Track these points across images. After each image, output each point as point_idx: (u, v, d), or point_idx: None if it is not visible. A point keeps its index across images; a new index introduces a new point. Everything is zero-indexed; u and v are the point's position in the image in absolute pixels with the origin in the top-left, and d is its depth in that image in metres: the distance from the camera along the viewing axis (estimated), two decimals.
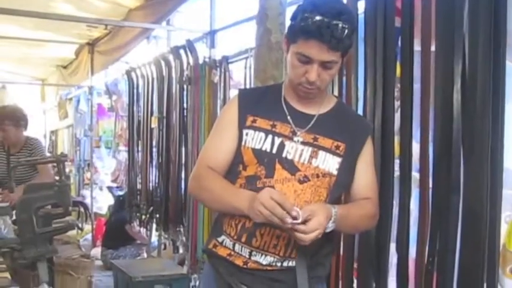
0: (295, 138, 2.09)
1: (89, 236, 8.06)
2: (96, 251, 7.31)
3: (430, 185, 2.62)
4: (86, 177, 10.29)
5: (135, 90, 6.70)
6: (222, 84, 4.65)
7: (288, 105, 2.15)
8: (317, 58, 1.95)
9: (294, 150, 2.08)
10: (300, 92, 2.09)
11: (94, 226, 8.10)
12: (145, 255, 6.86)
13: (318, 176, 2.07)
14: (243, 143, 2.13)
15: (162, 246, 6.35)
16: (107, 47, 7.66)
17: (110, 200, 8.29)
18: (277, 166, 2.07)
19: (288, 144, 2.08)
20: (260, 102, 2.19)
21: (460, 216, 2.47)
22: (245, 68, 4.39)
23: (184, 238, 5.35)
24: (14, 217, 2.77)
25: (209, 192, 2.13)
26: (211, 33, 5.36)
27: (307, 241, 1.86)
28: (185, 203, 5.27)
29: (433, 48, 2.60)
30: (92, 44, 8.25)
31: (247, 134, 2.13)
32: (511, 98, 2.36)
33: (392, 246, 2.84)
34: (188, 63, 5.19)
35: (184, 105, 5.30)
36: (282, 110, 2.14)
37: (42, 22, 6.58)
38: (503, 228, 2.40)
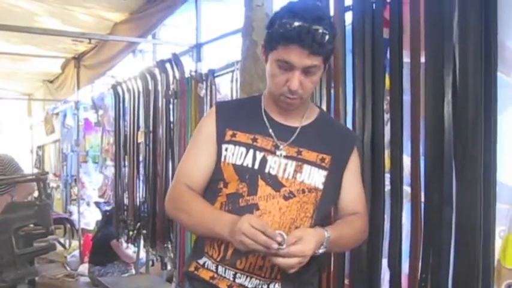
0: (278, 152, 2.01)
1: (77, 253, 7.98)
2: (84, 268, 7.21)
3: (422, 199, 2.57)
4: (73, 192, 10.20)
5: (121, 105, 6.64)
6: (209, 98, 4.60)
7: (268, 118, 2.08)
8: (298, 64, 1.89)
9: (277, 165, 2.00)
10: (281, 104, 2.02)
11: (81, 242, 8.02)
12: (133, 271, 6.78)
13: (303, 192, 1.99)
14: (222, 159, 2.04)
15: (150, 263, 6.27)
16: (93, 61, 7.63)
17: (98, 216, 8.20)
18: (260, 182, 1.98)
19: (271, 158, 2.00)
20: (239, 115, 2.11)
21: (454, 230, 2.41)
22: (231, 81, 4.34)
23: (172, 254, 5.29)
24: None
25: (187, 215, 2.03)
26: (197, 47, 5.33)
27: (294, 268, 1.79)
28: (172, 219, 5.20)
29: (422, 59, 2.56)
30: (77, 58, 8.22)
31: (226, 149, 2.04)
32: (503, 110, 2.32)
33: (384, 262, 2.79)
34: (174, 77, 5.15)
35: (171, 119, 5.24)
36: (263, 123, 2.07)
37: (28, 37, 6.57)
38: (498, 244, 2.35)
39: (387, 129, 2.77)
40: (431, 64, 2.49)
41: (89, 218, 9.06)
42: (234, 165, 2.02)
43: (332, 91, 3.09)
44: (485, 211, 2.30)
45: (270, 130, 2.05)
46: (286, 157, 2.01)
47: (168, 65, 5.25)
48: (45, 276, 3.26)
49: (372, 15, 2.81)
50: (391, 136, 2.74)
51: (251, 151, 2.02)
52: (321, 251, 1.86)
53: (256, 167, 2.00)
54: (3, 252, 2.34)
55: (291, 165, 2.00)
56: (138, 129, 6.06)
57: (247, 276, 1.98)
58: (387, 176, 2.78)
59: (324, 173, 2.02)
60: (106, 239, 6.84)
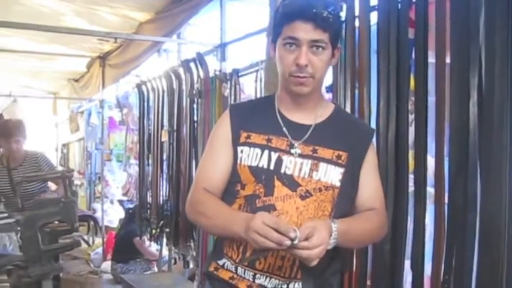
0: (293, 151, 2.01)
1: (100, 250, 8.04)
2: (107, 265, 7.26)
3: (446, 201, 2.55)
4: (97, 190, 10.30)
5: (145, 104, 6.68)
6: (233, 98, 4.60)
7: (282, 117, 2.08)
8: (304, 37, 1.91)
9: (292, 164, 2.00)
10: (293, 87, 2.00)
11: (105, 239, 8.08)
12: (155, 269, 6.81)
13: (320, 190, 1.98)
14: (238, 161, 2.05)
15: (173, 261, 6.29)
16: (118, 60, 7.67)
17: (121, 214, 8.26)
18: (277, 183, 1.98)
19: (286, 158, 2.00)
20: (253, 117, 2.12)
21: (477, 233, 2.39)
22: (256, 81, 4.34)
23: (194, 253, 5.29)
24: (19, 234, 2.72)
25: (206, 218, 2.04)
26: (222, 46, 5.33)
27: (314, 258, 1.76)
28: (193, 222, 5.22)
29: (448, 60, 2.54)
30: (103, 58, 8.27)
31: (242, 151, 2.05)
32: None
33: (407, 263, 2.77)
34: (198, 76, 5.16)
35: (195, 118, 5.25)
36: (277, 122, 2.07)
37: (54, 36, 6.63)
38: None
39: (411, 129, 2.75)
40: (457, 65, 2.47)
41: (113, 215, 9.12)
42: (249, 166, 2.02)
43: (356, 91, 3.08)
44: (510, 214, 2.27)
45: (284, 129, 2.05)
46: (301, 156, 2.00)
47: (192, 65, 5.26)
48: (70, 273, 3.29)
49: (397, 15, 2.80)
50: (416, 137, 2.71)
51: (266, 152, 2.02)
52: (331, 241, 1.83)
53: (271, 167, 2.00)
54: (29, 248, 2.38)
55: (307, 164, 1.99)
56: (162, 128, 6.09)
57: (266, 277, 1.98)
58: (411, 176, 2.76)
59: (341, 170, 2.01)
60: (129, 236, 6.89)
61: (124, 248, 6.92)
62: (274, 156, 2.01)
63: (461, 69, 2.43)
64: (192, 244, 5.35)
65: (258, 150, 2.03)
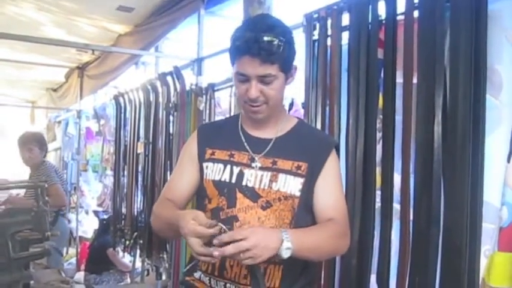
0: (253, 165, 2.07)
1: (74, 260, 8.00)
2: (80, 275, 7.22)
3: (411, 217, 2.61)
4: (72, 200, 10.23)
5: (122, 115, 6.68)
6: (208, 112, 4.63)
7: (244, 133, 2.16)
8: (252, 73, 1.95)
9: (253, 177, 2.06)
10: (249, 114, 2.08)
11: (78, 250, 8.03)
12: (128, 280, 6.79)
13: (280, 200, 2.02)
14: (204, 177, 2.13)
15: (146, 272, 6.29)
16: (96, 71, 7.68)
17: (96, 224, 8.22)
18: (238, 195, 2.05)
19: (247, 171, 2.07)
20: (218, 135, 2.21)
21: (440, 249, 2.46)
22: (231, 95, 4.39)
23: (167, 265, 5.30)
24: None
25: (159, 219, 2.13)
26: (199, 61, 5.37)
27: (233, 256, 1.75)
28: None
29: (415, 80, 2.61)
30: (81, 68, 8.28)
31: (207, 167, 2.14)
32: (491, 131, 2.37)
33: (373, 278, 2.82)
34: (175, 89, 5.19)
35: (170, 131, 5.28)
36: (239, 138, 2.14)
37: (33, 45, 6.64)
38: (483, 263, 2.38)
39: (379, 147, 2.82)
40: (423, 85, 2.54)
41: (87, 226, 9.06)
42: (213, 181, 2.10)
43: (327, 108, 3.15)
44: (472, 231, 2.34)
45: (246, 144, 2.12)
46: (261, 168, 2.06)
47: (169, 78, 5.28)
48: (40, 282, 3.28)
49: (367, 35, 2.87)
50: (383, 154, 2.78)
51: (228, 166, 2.10)
52: (284, 250, 1.78)
53: (233, 181, 2.06)
54: None
55: (267, 175, 2.04)
56: (138, 140, 6.08)
57: (235, 286, 2.03)
58: (378, 193, 2.82)
59: (301, 180, 2.03)
60: (102, 247, 6.85)
61: (97, 258, 6.89)
62: (236, 170, 2.08)
63: (427, 89, 2.51)
64: (165, 256, 5.36)
65: (221, 166, 2.11)
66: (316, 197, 2.06)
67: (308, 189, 2.04)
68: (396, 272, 2.68)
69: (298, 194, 2.03)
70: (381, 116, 2.81)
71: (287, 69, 2.02)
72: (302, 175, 2.04)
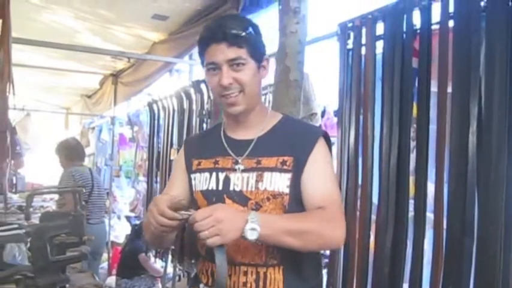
0: (236, 167, 2.02)
1: (105, 265, 8.08)
2: (112, 280, 7.30)
3: (445, 226, 2.60)
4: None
5: (156, 122, 6.76)
6: None
7: (226, 138, 2.12)
8: (221, 59, 1.93)
9: (240, 180, 2.00)
10: (226, 108, 2.03)
11: (110, 255, 8.11)
12: (159, 286, 6.84)
13: (268, 199, 1.96)
14: (193, 189, 2.11)
15: (177, 278, 6.32)
16: (130, 78, 7.76)
17: (128, 230, 8.31)
18: (227, 201, 2.00)
19: (233, 176, 2.01)
20: (202, 145, 2.19)
21: (474, 260, 2.44)
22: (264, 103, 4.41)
23: None
24: (28, 244, 2.78)
25: (146, 228, 2.06)
26: None
27: (204, 235, 1.69)
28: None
29: (449, 89, 2.61)
30: (115, 75, 8.37)
31: (194, 179, 2.12)
32: None
33: (405, 287, 2.81)
34: (209, 97, 5.25)
35: None
36: (221, 144, 2.10)
37: (69, 53, 6.73)
38: None
39: (413, 156, 2.81)
40: (458, 94, 2.54)
41: (119, 231, 9.16)
42: (201, 191, 2.08)
43: (361, 117, 3.16)
44: (506, 241, 2.33)
45: (228, 148, 2.08)
46: (245, 170, 2.00)
47: (203, 85, 5.35)
48: (75, 285, 3.33)
49: (402, 44, 2.88)
50: (417, 163, 2.78)
51: (214, 174, 2.06)
52: (249, 229, 1.73)
53: (220, 187, 2.02)
54: (38, 258, 2.42)
55: (252, 176, 1.99)
56: (171, 147, 6.15)
57: None
58: (411, 202, 2.82)
59: (288, 175, 1.96)
60: (134, 252, 6.91)
61: (129, 263, 6.95)
62: (222, 176, 2.03)
63: (462, 99, 2.50)
64: (196, 262, 5.38)
65: (207, 175, 2.07)
66: (303, 188, 1.97)
67: (296, 184, 1.97)
68: (429, 281, 2.67)
69: (286, 190, 1.96)
70: (415, 125, 2.81)
71: (257, 56, 1.99)
72: (288, 170, 1.97)
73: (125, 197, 9.52)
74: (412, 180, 2.81)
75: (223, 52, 1.92)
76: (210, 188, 2.05)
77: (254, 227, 1.73)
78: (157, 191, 6.52)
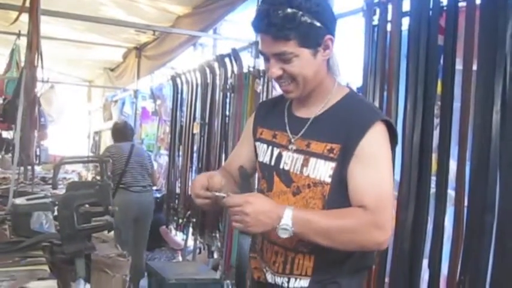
0: (290, 147, 1.94)
1: None
2: None
3: (466, 204, 2.62)
4: None
5: (179, 96, 6.80)
6: (265, 94, 4.67)
7: (289, 112, 2.03)
8: (268, 52, 1.82)
9: (290, 160, 1.93)
10: (282, 92, 1.95)
11: None
12: (180, 258, 6.92)
13: (309, 187, 1.87)
14: (257, 157, 2.09)
15: (197, 251, 6.41)
16: (154, 52, 7.79)
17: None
18: (276, 179, 1.96)
19: (285, 154, 1.95)
20: (270, 113, 2.11)
21: (494, 236, 2.46)
22: None
23: (219, 243, 5.39)
24: (55, 213, 2.85)
25: None
26: (257, 43, 5.38)
27: (236, 221, 1.75)
28: (222, 208, 5.31)
29: (475, 67, 2.60)
30: (139, 49, 8.40)
31: (257, 147, 2.09)
32: None
33: (425, 262, 2.84)
34: (232, 71, 5.27)
35: (227, 112, 5.36)
36: (283, 118, 2.02)
37: (92, 25, 6.78)
38: None
39: (436, 133, 2.82)
40: (483, 72, 2.53)
41: None
42: (259, 162, 2.06)
43: (385, 93, 3.16)
44: None
45: (287, 125, 1.99)
46: (296, 151, 1.92)
47: (227, 60, 5.36)
48: (98, 255, 3.40)
49: (428, 21, 2.86)
50: (440, 140, 2.79)
51: (270, 148, 2.02)
52: (281, 227, 1.72)
53: (272, 163, 1.98)
54: (65, 226, 2.47)
55: (299, 159, 1.90)
56: (194, 121, 6.20)
57: (269, 268, 2.01)
58: (433, 178, 2.83)
59: (332, 164, 1.83)
60: (155, 225, 6.98)
61: (150, 236, 7.03)
62: (276, 152, 1.99)
63: (487, 77, 2.50)
64: (217, 235, 5.45)
65: (265, 146, 2.04)
66: (348, 181, 1.82)
67: (341, 174, 1.83)
68: (449, 257, 2.69)
69: (328, 180, 1.84)
70: (439, 103, 2.81)
71: (311, 44, 1.81)
72: (334, 159, 1.83)
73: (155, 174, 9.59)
74: (435, 158, 2.83)
75: (269, 46, 1.80)
76: (264, 161, 2.02)
77: (286, 226, 1.71)
78: (180, 164, 6.58)
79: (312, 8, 1.78)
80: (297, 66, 1.81)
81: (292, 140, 1.95)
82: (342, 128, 1.85)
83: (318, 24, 1.79)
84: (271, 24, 1.75)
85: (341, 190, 1.83)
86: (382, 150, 1.84)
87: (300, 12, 1.75)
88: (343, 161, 1.82)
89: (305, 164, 1.89)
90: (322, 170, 1.85)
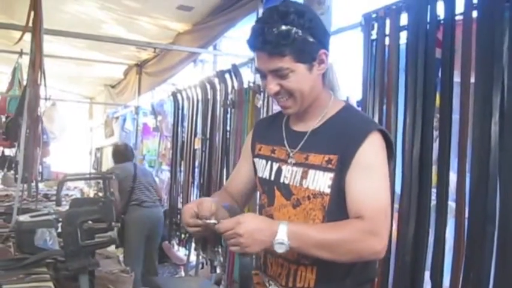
0: (289, 160, 1.96)
1: None
2: None
3: (466, 215, 2.63)
4: None
5: (180, 112, 6.83)
6: (265, 109, 4.69)
7: (286, 127, 2.05)
8: (264, 69, 1.84)
9: (289, 173, 1.95)
10: (281, 108, 1.97)
11: None
12: (182, 273, 6.91)
13: (309, 198, 1.88)
14: (256, 173, 2.11)
15: (200, 266, 6.40)
16: (155, 68, 7.83)
17: None
18: (276, 193, 1.98)
19: (285, 168, 1.97)
20: (267, 130, 2.14)
21: (495, 247, 2.47)
22: None
23: (221, 258, 5.39)
24: (59, 229, 2.86)
25: None
26: None
27: (232, 245, 1.73)
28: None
29: (472, 79, 2.63)
30: (140, 65, 8.45)
31: (256, 163, 2.11)
32: None
33: (427, 274, 2.85)
34: (233, 87, 5.29)
35: (228, 127, 5.39)
36: (281, 133, 2.04)
37: (93, 43, 6.81)
38: None
39: (435, 145, 2.84)
40: (481, 85, 2.56)
41: None
42: (259, 178, 2.08)
43: (384, 107, 3.19)
44: None
45: (285, 139, 2.01)
46: (295, 164, 1.94)
47: (227, 76, 5.39)
48: (102, 271, 3.41)
49: (425, 35, 2.90)
50: (439, 152, 2.81)
51: (269, 163, 2.03)
52: (277, 243, 1.70)
53: (272, 178, 2.00)
54: (69, 242, 2.48)
55: (299, 172, 1.92)
56: (195, 136, 6.22)
57: (274, 283, 2.02)
58: (433, 191, 2.85)
59: (330, 175, 1.84)
60: None
61: None
62: (275, 166, 2.01)
63: (485, 89, 2.52)
64: (219, 250, 5.45)
65: (264, 162, 2.06)
66: (346, 191, 1.82)
67: (339, 185, 1.83)
68: (450, 268, 2.70)
69: (327, 190, 1.84)
70: (438, 115, 2.84)
71: (306, 59, 1.83)
72: (332, 169, 1.84)
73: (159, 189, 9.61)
74: (435, 170, 2.84)
75: (265, 62, 1.82)
76: (264, 176, 2.04)
77: (282, 241, 1.69)
78: (181, 180, 6.60)
79: (305, 24, 1.80)
80: (293, 81, 1.83)
81: (291, 154, 1.96)
82: (339, 139, 1.86)
83: (312, 39, 1.82)
84: (266, 41, 1.77)
85: (340, 200, 1.83)
86: (378, 160, 1.85)
87: (294, 29, 1.77)
88: (341, 171, 1.83)
89: (304, 176, 1.90)
90: (321, 181, 1.86)
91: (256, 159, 2.11)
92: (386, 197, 1.83)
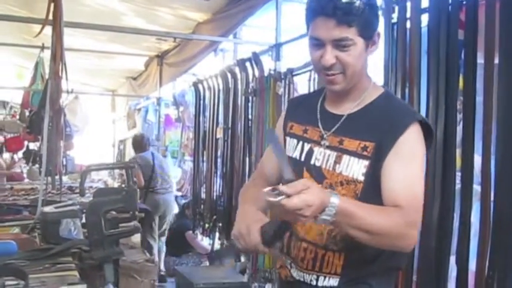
0: (322, 143, 1.92)
1: None
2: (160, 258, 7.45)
3: (492, 198, 2.60)
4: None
5: (201, 102, 6.84)
6: (287, 96, 4.68)
7: (322, 108, 2.00)
8: (326, 37, 1.77)
9: (322, 156, 1.91)
10: (326, 83, 1.90)
11: None
12: (207, 263, 6.95)
13: (342, 184, 1.85)
14: (287, 152, 2.03)
15: None
16: (175, 59, 7.83)
17: (175, 209, 8.43)
18: (305, 174, 1.93)
19: (317, 149, 1.93)
20: (300, 108, 2.09)
21: None
22: (309, 80, 4.41)
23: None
24: (83, 220, 2.88)
25: (239, 199, 2.07)
26: (277, 46, 5.41)
27: (287, 207, 1.56)
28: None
29: (496, 60, 2.59)
30: (160, 57, 8.46)
31: (287, 142, 2.06)
32: None
33: (452, 259, 2.83)
34: (254, 75, 5.29)
35: (249, 116, 5.38)
36: (315, 113, 1.99)
37: (114, 35, 6.85)
38: None
39: (459, 128, 2.81)
40: (505, 66, 2.53)
41: None
42: (289, 157, 1.97)
43: (407, 90, 3.16)
44: None
45: (319, 120, 1.97)
46: (329, 147, 1.90)
47: (248, 64, 5.39)
48: (126, 260, 3.45)
49: (447, 17, 2.86)
50: (463, 135, 2.78)
51: (300, 143, 2.00)
52: (322, 217, 1.62)
53: (302, 159, 1.96)
54: (93, 232, 2.50)
55: (332, 156, 1.89)
56: (217, 126, 6.23)
57: (295, 266, 1.99)
58: (458, 174, 2.82)
59: (365, 162, 1.82)
60: (181, 230, 7.05)
61: (177, 241, 7.09)
62: (307, 147, 1.97)
63: (509, 70, 2.49)
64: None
65: (295, 141, 2.02)
66: (382, 179, 1.80)
67: (374, 172, 1.81)
68: (476, 252, 2.68)
69: (361, 178, 1.83)
70: (461, 98, 2.80)
71: (367, 34, 1.81)
72: (367, 157, 1.82)
73: (171, 176, 9.65)
74: (459, 153, 2.81)
75: (330, 30, 1.76)
76: (293, 156, 1.99)
77: (327, 217, 1.62)
78: (204, 170, 6.62)
79: (372, 1, 1.82)
80: (352, 55, 1.80)
81: (325, 136, 1.93)
82: (377, 127, 1.84)
83: (374, 16, 1.83)
84: (337, 7, 1.73)
85: (374, 189, 1.82)
86: (418, 150, 1.84)
87: (363, 1, 1.76)
88: (377, 160, 1.81)
89: (338, 161, 1.87)
90: (356, 168, 1.84)
91: (287, 138, 2.07)
92: (422, 188, 1.84)
